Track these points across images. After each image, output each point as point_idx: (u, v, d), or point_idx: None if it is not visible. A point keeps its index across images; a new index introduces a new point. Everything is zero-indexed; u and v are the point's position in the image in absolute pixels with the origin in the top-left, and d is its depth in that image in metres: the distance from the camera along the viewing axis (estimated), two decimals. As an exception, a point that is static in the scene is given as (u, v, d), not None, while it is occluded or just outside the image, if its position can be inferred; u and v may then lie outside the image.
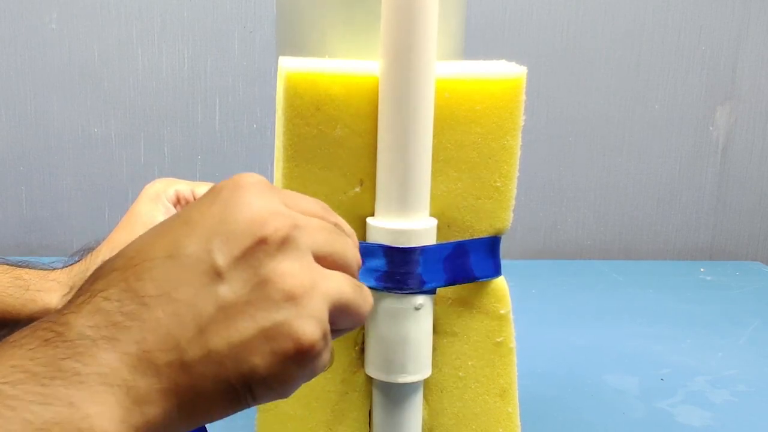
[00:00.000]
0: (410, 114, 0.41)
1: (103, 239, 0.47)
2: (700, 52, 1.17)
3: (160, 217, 0.46)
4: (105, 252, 0.45)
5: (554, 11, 1.14)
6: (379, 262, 0.43)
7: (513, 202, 0.45)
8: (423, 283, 0.43)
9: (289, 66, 0.42)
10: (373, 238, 0.43)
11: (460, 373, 0.47)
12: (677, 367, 0.80)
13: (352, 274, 0.33)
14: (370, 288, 0.43)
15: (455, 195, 0.44)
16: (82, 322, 0.27)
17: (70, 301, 0.29)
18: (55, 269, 0.47)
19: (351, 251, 0.33)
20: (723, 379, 0.77)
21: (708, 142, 1.21)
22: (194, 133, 1.13)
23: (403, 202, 0.42)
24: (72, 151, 1.13)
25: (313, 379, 0.45)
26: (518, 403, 0.48)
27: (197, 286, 0.28)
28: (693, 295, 1.03)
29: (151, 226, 0.44)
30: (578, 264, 1.17)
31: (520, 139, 0.45)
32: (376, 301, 0.44)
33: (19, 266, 0.47)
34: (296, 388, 0.30)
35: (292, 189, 0.43)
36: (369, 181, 0.43)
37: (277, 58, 0.44)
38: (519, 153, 0.45)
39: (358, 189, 0.44)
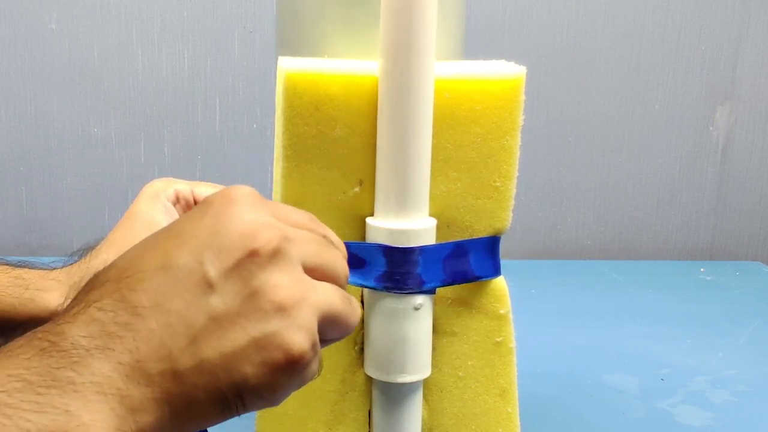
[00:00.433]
0: (410, 114, 0.41)
1: (103, 239, 0.47)
2: (700, 52, 1.17)
3: (160, 216, 0.46)
4: (104, 251, 0.45)
5: (554, 11, 1.14)
6: (378, 262, 0.43)
7: (512, 202, 0.45)
8: (422, 283, 0.43)
9: (289, 66, 0.42)
10: (372, 238, 0.43)
11: (460, 373, 0.47)
12: (677, 367, 0.80)
13: (340, 285, 0.33)
14: (369, 288, 0.43)
15: (455, 195, 0.44)
16: (76, 332, 0.28)
17: (65, 311, 0.29)
18: (54, 269, 0.47)
19: (340, 263, 0.34)
20: (723, 379, 0.77)
21: (708, 142, 1.21)
22: (194, 133, 1.13)
23: (403, 202, 0.42)
24: (72, 151, 1.13)
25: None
26: (518, 403, 0.48)
27: (189, 297, 0.29)
28: (693, 295, 1.03)
29: (151, 225, 0.44)
30: (578, 264, 1.17)
31: (519, 139, 0.45)
32: (376, 300, 0.44)
33: (19, 266, 0.47)
34: (286, 397, 0.31)
35: (291, 189, 0.44)
36: (368, 180, 0.43)
37: (277, 58, 0.44)
38: (518, 153, 0.45)
39: (357, 189, 0.44)
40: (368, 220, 0.44)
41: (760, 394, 0.75)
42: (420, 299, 0.43)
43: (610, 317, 0.95)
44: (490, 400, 0.47)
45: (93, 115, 1.12)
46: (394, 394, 0.45)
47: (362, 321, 0.45)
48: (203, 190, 0.49)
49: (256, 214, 0.30)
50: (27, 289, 0.44)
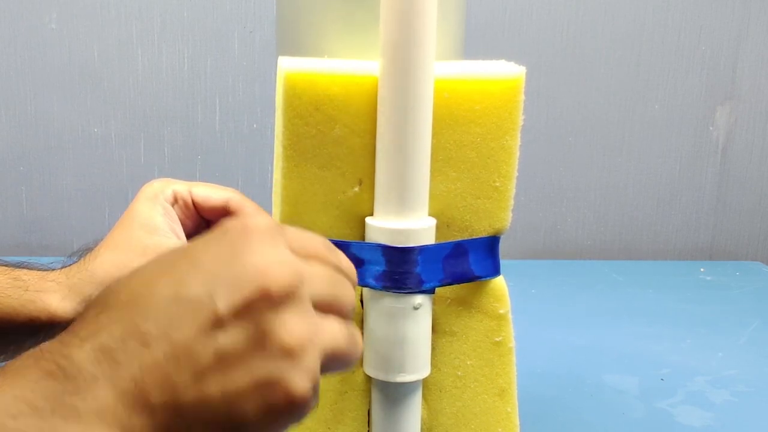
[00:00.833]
0: (409, 114, 0.41)
1: (102, 240, 0.47)
2: (700, 52, 1.17)
3: (158, 218, 0.46)
4: (103, 253, 0.45)
5: (554, 11, 1.14)
6: (377, 262, 0.43)
7: (512, 201, 0.45)
8: (422, 282, 0.43)
9: (288, 66, 0.42)
10: (371, 237, 0.43)
11: (459, 373, 0.47)
12: (677, 367, 0.80)
13: (347, 317, 0.34)
14: (368, 287, 0.44)
15: (454, 195, 0.44)
16: (84, 357, 0.28)
17: (73, 329, 0.29)
18: (53, 270, 0.47)
19: (348, 296, 0.34)
20: (723, 379, 0.77)
21: (708, 142, 1.21)
22: (194, 133, 1.13)
23: (402, 202, 0.42)
24: (72, 151, 1.13)
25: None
26: (517, 403, 0.48)
27: (197, 331, 0.28)
28: (693, 295, 1.03)
29: (149, 227, 0.44)
30: (578, 264, 1.17)
31: (519, 139, 0.45)
32: (375, 300, 0.44)
33: (18, 267, 0.47)
34: None
35: (291, 188, 0.44)
36: (368, 180, 0.43)
37: (277, 58, 0.44)
38: (518, 153, 0.45)
39: (357, 189, 0.44)
40: (368, 219, 0.44)
41: (760, 394, 0.75)
42: (419, 299, 0.43)
43: (610, 317, 0.95)
44: (490, 399, 0.47)
45: (93, 115, 1.12)
46: (394, 394, 0.45)
47: (362, 320, 0.45)
48: (201, 190, 0.49)
49: (272, 249, 0.30)
50: (27, 290, 0.44)
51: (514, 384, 0.48)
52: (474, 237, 0.45)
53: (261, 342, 0.29)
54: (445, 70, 0.43)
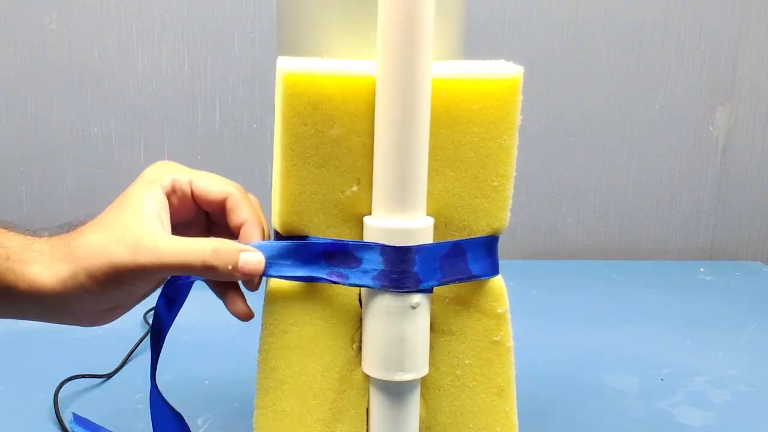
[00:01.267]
0: (407, 113, 0.41)
1: (95, 215, 0.46)
2: (700, 52, 1.17)
3: (149, 205, 0.45)
4: (87, 232, 0.44)
5: (554, 11, 1.14)
6: (375, 261, 0.43)
7: (510, 201, 0.45)
8: (420, 281, 0.43)
9: (287, 66, 0.42)
10: (369, 236, 0.43)
11: (458, 372, 0.47)
12: (677, 367, 0.80)
13: None
14: (366, 287, 0.44)
15: (452, 194, 0.44)
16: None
17: None
18: (40, 237, 0.45)
19: None
20: (723, 379, 0.77)
21: (708, 142, 1.21)
22: (194, 133, 1.13)
23: (400, 201, 0.42)
24: (72, 151, 1.13)
25: (311, 377, 0.46)
26: (516, 402, 0.48)
27: None
28: (693, 295, 1.03)
29: (138, 213, 0.44)
30: (578, 264, 1.17)
31: (517, 138, 0.45)
32: (373, 299, 0.44)
33: (4, 228, 0.46)
34: None
35: (289, 188, 0.44)
36: (366, 180, 0.44)
37: (277, 58, 0.45)
38: (516, 152, 0.45)
39: (355, 188, 0.44)
40: (366, 219, 0.44)
41: (760, 394, 0.75)
42: (417, 298, 0.43)
43: (610, 317, 0.95)
44: (488, 399, 0.47)
45: (93, 115, 1.12)
46: (392, 393, 0.45)
47: (360, 319, 0.45)
48: (201, 182, 0.47)
49: None
50: (8, 259, 0.43)
51: (513, 383, 0.48)
52: (472, 236, 0.45)
53: None
54: (443, 69, 0.43)
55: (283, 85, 0.42)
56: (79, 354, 0.79)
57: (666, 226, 1.24)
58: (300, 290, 0.45)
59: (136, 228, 0.43)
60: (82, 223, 0.46)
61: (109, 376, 0.74)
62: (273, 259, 0.44)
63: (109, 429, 0.63)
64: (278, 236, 0.46)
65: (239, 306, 0.47)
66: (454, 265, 0.44)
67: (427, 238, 0.43)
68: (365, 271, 0.43)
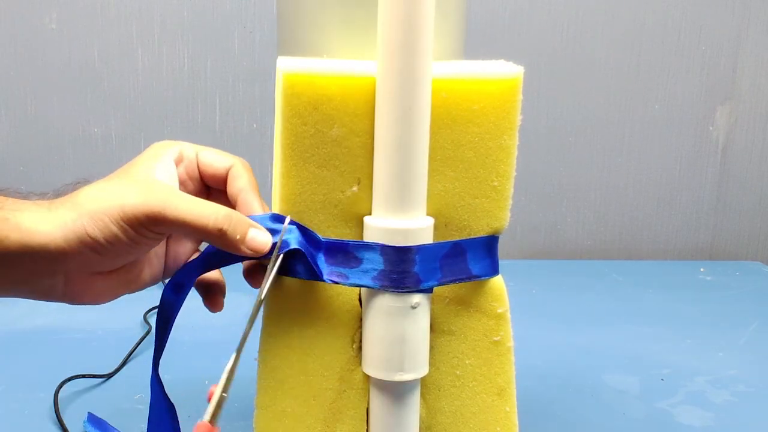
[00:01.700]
0: (407, 113, 0.41)
1: (90, 181, 0.44)
2: (700, 52, 1.17)
3: (158, 170, 0.44)
4: (95, 185, 0.42)
5: (554, 11, 1.14)
6: (376, 261, 0.43)
7: (510, 201, 0.45)
8: (420, 281, 0.43)
9: (287, 66, 0.42)
10: (370, 236, 0.43)
11: (458, 372, 0.47)
12: (677, 367, 0.80)
13: None
14: (366, 287, 0.44)
15: (452, 194, 0.44)
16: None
17: None
18: (35, 201, 0.43)
19: None
20: (723, 379, 0.77)
21: (708, 142, 1.21)
22: (194, 133, 1.13)
23: (400, 201, 0.42)
24: (72, 151, 1.13)
25: (311, 377, 0.46)
26: (516, 402, 0.48)
27: None
28: (693, 295, 1.03)
29: (147, 174, 0.43)
30: (578, 264, 1.17)
31: (517, 138, 0.45)
32: (373, 299, 0.44)
33: None
34: None
35: (290, 188, 0.44)
36: (366, 180, 0.44)
37: (277, 58, 0.45)
38: (516, 152, 0.45)
39: (355, 188, 0.44)
40: (366, 219, 0.44)
41: (760, 394, 0.75)
42: (417, 298, 0.43)
43: (610, 317, 0.95)
44: (488, 399, 0.47)
45: (93, 115, 1.12)
46: (392, 393, 0.45)
47: (360, 319, 0.45)
48: (207, 156, 0.47)
49: None
50: (1, 209, 0.40)
51: (513, 383, 0.48)
52: (472, 236, 0.45)
53: None
54: (443, 69, 0.43)
55: (283, 85, 0.42)
56: (79, 354, 0.79)
57: (666, 226, 1.24)
58: (300, 290, 0.45)
59: (146, 178, 0.42)
60: (81, 184, 0.44)
61: (109, 376, 0.74)
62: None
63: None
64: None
65: (218, 302, 0.47)
66: (454, 265, 0.44)
67: (427, 238, 0.43)
68: (365, 271, 0.43)
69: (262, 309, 0.46)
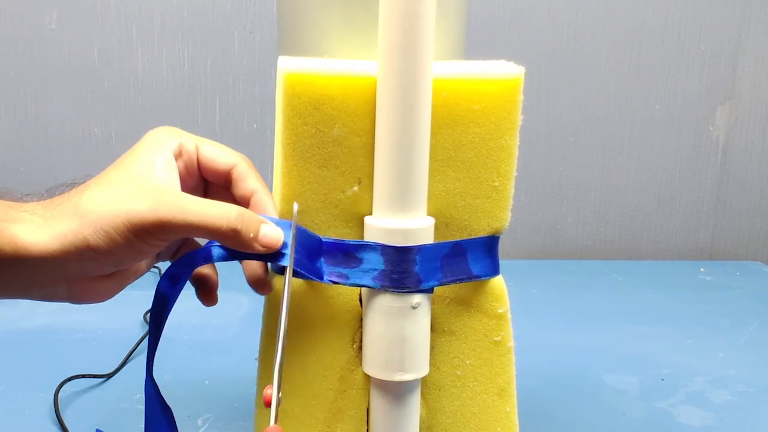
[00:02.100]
0: (408, 113, 0.41)
1: (88, 177, 0.42)
2: (700, 52, 1.17)
3: (160, 164, 0.42)
4: (93, 188, 0.40)
5: (554, 11, 1.14)
6: (376, 261, 0.43)
7: (511, 201, 0.45)
8: (420, 282, 0.43)
9: (288, 66, 0.42)
10: (370, 236, 0.43)
11: (458, 372, 0.47)
12: (677, 367, 0.80)
13: None
14: (367, 287, 0.44)
15: (453, 194, 0.44)
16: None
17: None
18: (27, 202, 0.41)
19: None
20: (723, 379, 0.77)
21: (708, 142, 1.21)
22: (194, 133, 1.13)
23: (401, 202, 0.42)
24: (72, 151, 1.13)
25: (311, 377, 0.46)
26: (516, 403, 0.48)
27: None
28: (693, 295, 1.03)
29: (150, 170, 0.41)
30: (578, 264, 1.17)
31: (518, 138, 0.45)
32: (374, 299, 0.44)
33: None
34: None
35: (290, 187, 0.44)
36: (367, 180, 0.44)
37: (278, 58, 0.44)
38: (517, 153, 0.45)
39: (356, 188, 0.44)
40: (366, 219, 0.44)
41: (760, 394, 0.75)
42: (418, 298, 0.43)
43: (610, 317, 0.95)
44: (489, 399, 0.47)
45: (93, 115, 1.12)
46: (393, 393, 0.45)
47: (361, 319, 0.45)
48: (208, 150, 0.45)
49: None
50: None
51: (514, 383, 0.48)
52: (473, 237, 0.45)
53: None
54: (444, 70, 0.43)
55: (284, 85, 0.42)
56: (79, 354, 0.79)
57: (666, 226, 1.24)
58: (300, 290, 0.45)
59: (153, 182, 0.40)
60: (76, 184, 0.42)
61: (109, 376, 0.74)
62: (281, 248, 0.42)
63: (110, 429, 0.63)
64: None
65: (213, 297, 0.46)
66: (454, 265, 0.44)
67: (427, 238, 0.43)
68: (366, 271, 0.43)
69: (263, 309, 0.46)
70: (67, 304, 0.43)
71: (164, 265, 0.44)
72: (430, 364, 0.46)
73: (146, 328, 0.85)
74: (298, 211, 0.44)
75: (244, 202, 0.44)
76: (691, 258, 1.24)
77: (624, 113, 1.18)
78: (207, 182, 0.47)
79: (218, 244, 0.42)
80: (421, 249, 0.43)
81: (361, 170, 0.43)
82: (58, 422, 0.65)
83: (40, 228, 0.38)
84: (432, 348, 0.46)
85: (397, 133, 0.41)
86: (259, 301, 0.46)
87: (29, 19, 1.09)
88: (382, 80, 0.41)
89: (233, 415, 0.67)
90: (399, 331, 0.44)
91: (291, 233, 0.42)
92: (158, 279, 0.43)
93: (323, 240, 0.44)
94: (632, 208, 1.22)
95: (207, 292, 0.46)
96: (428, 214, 0.44)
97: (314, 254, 0.44)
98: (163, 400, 0.46)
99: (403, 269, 0.42)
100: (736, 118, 1.21)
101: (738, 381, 0.77)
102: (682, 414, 0.70)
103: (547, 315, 0.94)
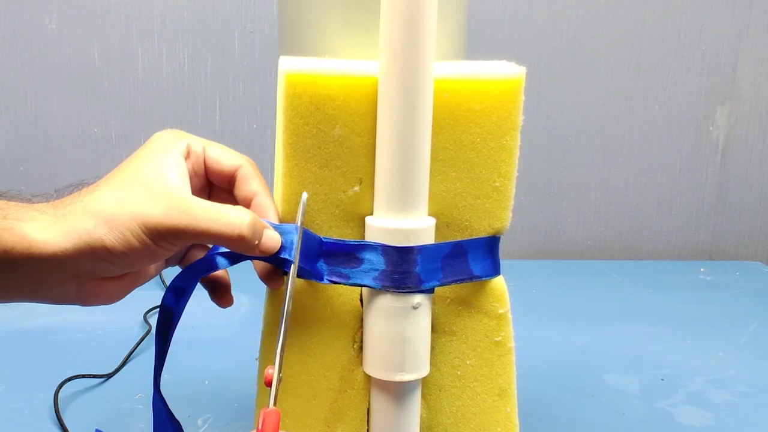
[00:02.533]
0: (409, 114, 0.41)
1: (96, 180, 0.42)
2: (700, 52, 1.17)
3: (171, 165, 0.42)
4: (104, 187, 0.40)
5: (554, 11, 1.14)
6: (377, 261, 0.43)
7: (512, 202, 0.45)
8: (421, 282, 0.43)
9: (289, 66, 0.42)
10: (371, 237, 0.43)
11: (459, 372, 0.47)
12: (677, 367, 0.80)
13: None
14: (368, 287, 0.44)
15: (454, 194, 0.44)
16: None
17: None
18: (38, 202, 0.41)
19: None
20: (723, 379, 0.77)
21: (708, 142, 1.21)
22: (194, 133, 1.13)
23: (402, 202, 0.42)
24: (72, 151, 1.13)
25: (312, 377, 0.46)
26: (517, 403, 0.48)
27: None
28: (693, 295, 1.03)
29: (161, 171, 0.41)
30: (578, 264, 1.17)
31: (519, 139, 0.45)
32: (374, 299, 0.44)
33: None
34: None
35: (291, 187, 0.44)
36: (368, 180, 0.44)
37: (279, 58, 0.44)
38: (518, 153, 0.45)
39: (357, 188, 0.44)
40: (367, 219, 0.44)
41: (760, 394, 0.75)
42: (418, 298, 0.43)
43: (610, 317, 0.95)
44: (489, 399, 0.47)
45: (93, 115, 1.12)
46: (393, 393, 0.45)
47: (361, 319, 0.45)
48: (214, 152, 0.45)
49: None
50: (5, 218, 0.38)
51: (514, 384, 0.48)
52: (474, 237, 0.45)
53: None
54: (445, 70, 0.43)
55: (285, 84, 0.42)
56: (79, 354, 0.79)
57: (666, 226, 1.24)
58: (301, 290, 0.45)
59: (165, 186, 0.40)
60: (86, 184, 0.42)
61: (109, 376, 0.74)
62: (284, 242, 0.42)
63: (110, 429, 0.63)
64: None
65: (227, 298, 0.46)
66: (455, 265, 0.44)
67: (428, 238, 0.43)
68: (366, 271, 0.43)
69: (263, 309, 0.46)
70: None
71: (166, 272, 0.44)
72: (431, 365, 0.46)
73: (146, 328, 0.85)
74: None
75: (245, 204, 0.45)
76: (691, 258, 1.24)
77: (624, 113, 1.18)
78: (211, 183, 0.47)
79: (221, 250, 0.42)
80: (422, 249, 0.43)
81: (362, 170, 0.43)
82: (58, 422, 0.65)
83: (51, 226, 0.38)
84: (432, 348, 0.46)
85: (398, 133, 0.41)
86: (259, 301, 0.46)
87: (29, 19, 1.09)
88: (384, 80, 0.41)
89: (233, 415, 0.67)
90: (400, 332, 0.44)
91: (297, 225, 0.43)
92: (160, 280, 0.44)
93: (324, 240, 0.44)
94: (632, 208, 1.22)
95: (221, 294, 0.46)
96: (429, 215, 0.44)
97: (314, 256, 0.44)
98: (172, 414, 0.47)
99: (403, 269, 0.43)
100: (736, 118, 1.21)
101: (738, 381, 0.77)
102: (682, 414, 0.70)
103: (547, 315, 0.94)
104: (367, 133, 0.43)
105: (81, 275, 0.40)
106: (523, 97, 0.44)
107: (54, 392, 0.69)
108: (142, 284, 0.45)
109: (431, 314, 0.45)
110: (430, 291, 0.44)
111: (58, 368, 0.74)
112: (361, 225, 0.44)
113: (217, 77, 1.12)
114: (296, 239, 0.42)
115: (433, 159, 0.43)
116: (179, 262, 0.47)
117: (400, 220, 0.42)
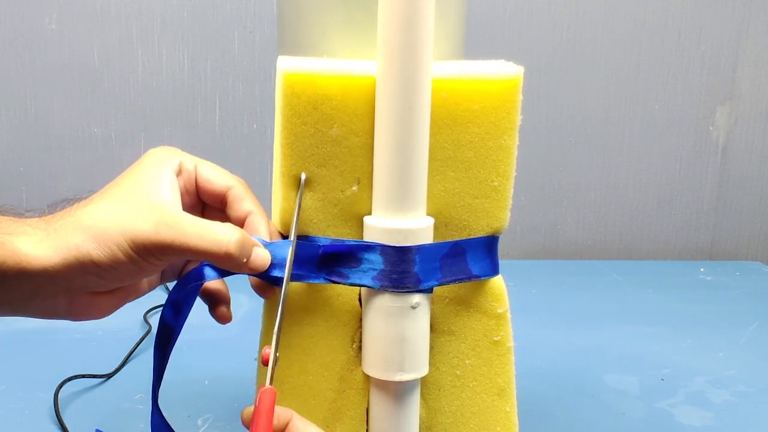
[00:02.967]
0: (407, 114, 0.41)
1: (91, 193, 0.43)
2: (700, 52, 1.17)
3: (165, 181, 0.42)
4: (97, 202, 0.41)
5: (554, 11, 1.14)
6: (375, 261, 0.43)
7: (510, 201, 0.45)
8: (419, 282, 0.43)
9: (287, 66, 0.42)
10: (369, 236, 0.43)
11: (458, 372, 0.47)
12: (677, 367, 0.80)
13: None
14: (366, 287, 0.44)
15: (452, 194, 0.44)
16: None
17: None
18: (29, 217, 0.41)
19: None
20: (723, 379, 0.77)
21: (708, 142, 1.21)
22: (194, 133, 1.13)
23: (400, 201, 0.42)
24: (72, 151, 1.13)
25: (311, 377, 0.46)
26: (516, 402, 0.48)
27: None
28: (693, 295, 1.03)
29: (155, 187, 0.41)
30: (578, 264, 1.17)
31: (517, 138, 0.45)
32: (373, 299, 0.44)
33: None
34: None
35: (290, 187, 0.44)
36: (366, 179, 0.44)
37: (278, 58, 0.44)
38: (516, 152, 0.45)
39: (355, 188, 0.44)
40: (366, 218, 0.44)
41: (760, 394, 0.75)
42: (417, 298, 0.43)
43: (610, 317, 0.95)
44: (488, 399, 0.47)
45: (93, 115, 1.12)
46: (392, 393, 0.45)
47: (360, 319, 0.45)
48: (206, 171, 0.45)
49: None
50: None
51: (513, 383, 0.48)
52: (472, 236, 0.45)
53: None
54: (443, 70, 0.43)
55: (283, 84, 0.42)
56: (79, 354, 0.79)
57: (666, 226, 1.24)
58: (300, 290, 0.45)
59: (156, 201, 0.40)
60: (79, 199, 0.42)
61: (109, 376, 0.74)
62: (276, 260, 0.43)
63: (110, 429, 0.63)
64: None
65: (225, 312, 0.46)
66: (454, 265, 0.44)
67: (427, 238, 0.43)
68: (365, 271, 0.43)
69: (262, 309, 0.46)
70: None
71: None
72: (430, 364, 0.46)
73: (146, 328, 0.85)
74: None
75: (238, 224, 0.45)
76: (691, 258, 1.24)
77: (624, 113, 1.18)
78: (203, 202, 0.47)
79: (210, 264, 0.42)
80: (421, 249, 0.43)
81: (360, 170, 0.43)
82: (58, 422, 0.65)
83: (42, 241, 0.39)
84: (431, 348, 0.46)
85: (396, 133, 0.41)
86: (259, 301, 0.46)
87: (29, 19, 1.09)
88: (382, 80, 0.41)
89: (233, 415, 0.67)
90: (398, 331, 0.44)
91: (290, 241, 0.43)
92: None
93: (322, 241, 0.44)
94: (632, 208, 1.22)
95: (219, 310, 0.46)
96: (427, 214, 0.44)
97: (311, 264, 0.43)
98: (171, 429, 0.47)
99: (402, 269, 0.43)
100: (736, 118, 1.20)
101: (738, 381, 0.77)
102: (682, 414, 0.70)
103: (547, 315, 0.94)
104: (365, 133, 0.43)
105: (72, 290, 0.40)
106: (521, 97, 0.44)
107: (54, 392, 0.69)
108: (134, 299, 0.45)
109: (430, 314, 0.45)
110: (429, 291, 0.44)
111: (58, 368, 0.74)
112: (360, 225, 0.44)
113: (217, 77, 1.12)
114: (289, 253, 0.42)
115: (432, 159, 0.43)
116: (177, 278, 0.48)
117: (399, 219, 0.42)
